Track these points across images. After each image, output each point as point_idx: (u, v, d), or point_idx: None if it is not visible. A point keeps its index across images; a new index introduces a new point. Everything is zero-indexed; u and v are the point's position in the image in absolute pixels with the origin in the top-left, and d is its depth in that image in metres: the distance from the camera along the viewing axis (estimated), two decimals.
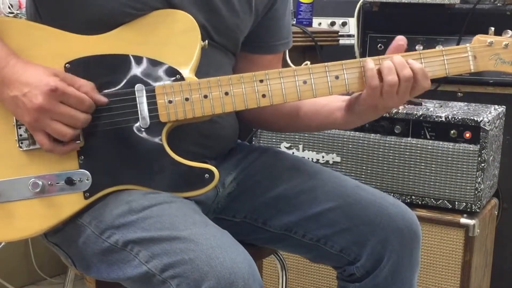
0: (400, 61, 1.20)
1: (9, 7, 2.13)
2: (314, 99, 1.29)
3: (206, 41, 1.23)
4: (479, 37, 1.26)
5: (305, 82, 1.22)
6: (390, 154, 1.87)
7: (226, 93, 1.20)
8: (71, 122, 1.14)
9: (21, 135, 1.19)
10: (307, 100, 1.33)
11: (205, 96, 1.20)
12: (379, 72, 1.20)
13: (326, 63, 1.22)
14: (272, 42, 1.44)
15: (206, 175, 1.20)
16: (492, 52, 1.25)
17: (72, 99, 1.14)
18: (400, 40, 1.24)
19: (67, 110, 1.14)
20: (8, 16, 2.10)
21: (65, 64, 1.19)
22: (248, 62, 1.42)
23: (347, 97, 1.31)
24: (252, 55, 1.43)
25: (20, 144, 1.19)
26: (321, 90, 1.22)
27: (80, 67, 1.19)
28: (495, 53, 1.25)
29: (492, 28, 1.26)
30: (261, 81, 1.21)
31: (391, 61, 1.20)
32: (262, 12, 1.39)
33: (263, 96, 1.21)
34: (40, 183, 1.18)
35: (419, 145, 1.84)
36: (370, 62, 1.21)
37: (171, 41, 1.22)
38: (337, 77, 1.22)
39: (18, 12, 2.12)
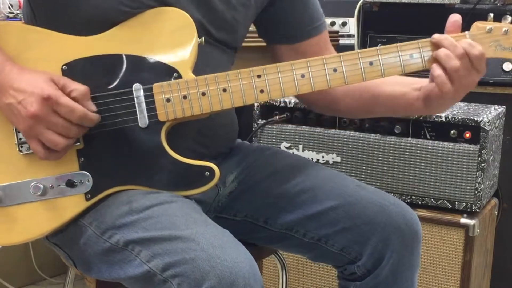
0: (450, 42, 1.19)
1: (9, 7, 2.13)
2: (387, 84, 1.29)
3: (203, 37, 1.23)
4: (478, 24, 1.23)
5: (303, 75, 1.21)
6: (390, 154, 1.87)
7: (224, 90, 1.20)
8: (63, 131, 1.13)
9: (20, 139, 1.18)
10: (382, 89, 1.34)
11: (203, 94, 1.19)
12: (435, 61, 1.20)
13: (324, 56, 1.22)
14: (303, 28, 1.42)
15: (207, 173, 1.19)
16: (492, 38, 1.22)
17: (62, 109, 1.12)
18: (455, 16, 1.24)
19: (59, 120, 1.12)
20: (8, 16, 2.10)
21: (62, 66, 1.19)
22: (293, 53, 1.42)
23: (421, 84, 1.29)
24: (292, 45, 1.43)
25: (20, 148, 1.19)
26: (319, 83, 1.22)
27: (77, 68, 1.19)
28: (494, 39, 1.22)
29: (491, 14, 1.24)
30: (259, 76, 1.21)
31: (444, 46, 1.19)
32: (263, 3, 1.38)
33: (261, 91, 1.21)
34: (41, 186, 1.17)
35: (419, 145, 1.84)
36: (437, 69, 1.19)
37: (167, 39, 1.21)
38: (335, 70, 1.22)
39: (18, 12, 2.12)
